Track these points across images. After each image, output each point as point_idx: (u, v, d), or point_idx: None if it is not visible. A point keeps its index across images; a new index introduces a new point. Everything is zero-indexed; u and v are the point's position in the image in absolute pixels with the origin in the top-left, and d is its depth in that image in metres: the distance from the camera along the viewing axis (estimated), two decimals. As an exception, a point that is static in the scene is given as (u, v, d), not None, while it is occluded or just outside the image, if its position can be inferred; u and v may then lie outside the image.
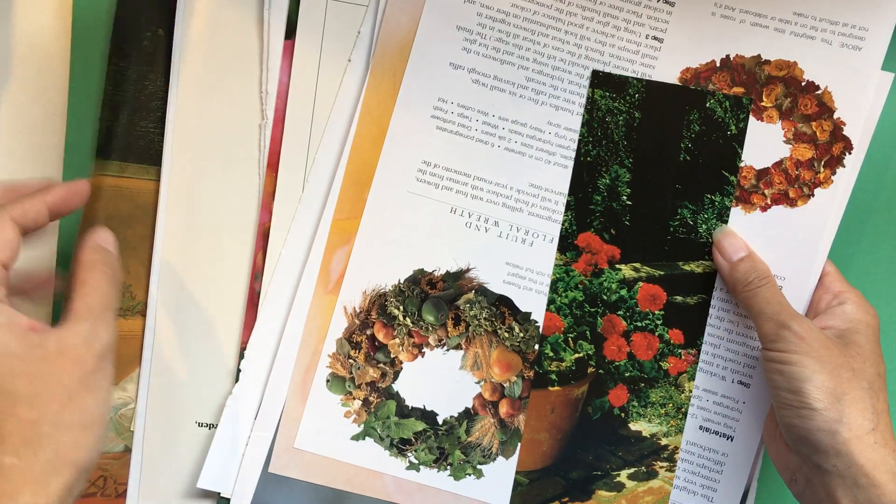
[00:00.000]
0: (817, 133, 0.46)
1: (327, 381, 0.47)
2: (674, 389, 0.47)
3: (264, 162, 0.48)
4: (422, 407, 0.48)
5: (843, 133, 0.46)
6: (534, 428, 0.47)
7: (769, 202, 0.46)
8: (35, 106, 0.48)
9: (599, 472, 0.47)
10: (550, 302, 0.47)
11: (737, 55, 0.46)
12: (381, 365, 0.48)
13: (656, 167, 0.47)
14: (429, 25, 0.47)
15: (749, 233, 0.46)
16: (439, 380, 0.48)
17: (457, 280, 0.48)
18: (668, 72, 0.47)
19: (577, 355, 0.47)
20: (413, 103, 0.47)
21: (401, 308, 0.48)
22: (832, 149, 0.46)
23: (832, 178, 0.46)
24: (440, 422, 0.48)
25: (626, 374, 0.47)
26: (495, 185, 0.48)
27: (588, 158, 0.47)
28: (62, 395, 0.34)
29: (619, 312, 0.47)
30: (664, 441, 0.47)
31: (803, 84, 0.46)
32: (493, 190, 0.48)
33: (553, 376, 0.47)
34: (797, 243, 0.46)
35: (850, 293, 0.44)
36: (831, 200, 0.46)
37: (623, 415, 0.47)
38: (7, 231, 0.36)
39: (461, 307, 0.48)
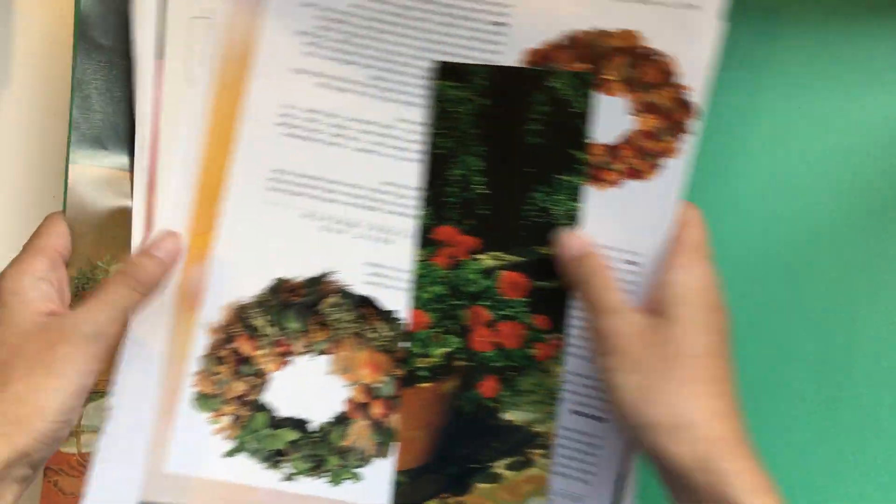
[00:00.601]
0: (662, 102, 0.45)
1: (194, 400, 0.47)
2: (544, 375, 0.46)
3: (144, 182, 0.48)
4: (294, 416, 0.47)
5: (687, 98, 0.45)
6: (408, 426, 0.47)
7: (621, 177, 0.45)
8: (35, 106, 0.49)
9: (477, 465, 0.46)
10: (415, 298, 0.46)
11: (580, 31, 0.46)
12: (248, 377, 0.47)
13: (507, 153, 0.46)
14: (268, 33, 0.47)
15: (605, 211, 0.45)
16: (309, 387, 0.47)
17: (318, 285, 0.47)
18: (514, 56, 0.46)
19: (444, 350, 0.46)
20: (258, 112, 0.47)
21: (263, 318, 0.47)
22: (677, 116, 0.45)
23: (679, 146, 0.45)
24: (314, 429, 0.47)
25: (495, 365, 0.46)
26: (349, 187, 0.47)
27: (439, 151, 0.46)
28: (30, 361, 0.39)
29: (484, 303, 0.46)
30: (538, 428, 0.46)
31: (646, 52, 0.45)
32: (348, 192, 0.47)
33: (423, 373, 0.46)
34: (651, 217, 0.45)
35: (684, 257, 0.42)
36: (679, 169, 0.45)
37: (495, 405, 0.46)
38: (60, 224, 0.44)
39: (324, 312, 0.47)
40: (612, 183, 0.45)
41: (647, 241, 0.45)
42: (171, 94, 0.48)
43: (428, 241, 0.46)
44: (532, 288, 0.46)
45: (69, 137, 0.48)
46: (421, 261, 0.46)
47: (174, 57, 0.48)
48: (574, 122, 0.45)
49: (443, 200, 0.46)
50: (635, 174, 0.45)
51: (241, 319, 0.47)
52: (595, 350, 0.41)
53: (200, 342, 0.47)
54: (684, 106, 0.45)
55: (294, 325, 0.47)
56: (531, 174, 0.46)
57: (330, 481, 0.47)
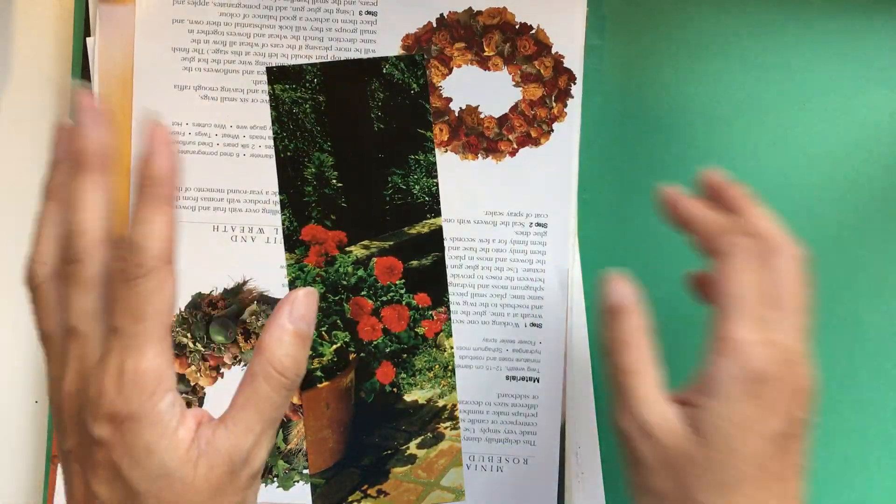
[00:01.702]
0: (541, 71, 0.47)
1: (132, 425, 0.47)
2: (436, 351, 0.48)
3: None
4: (235, 426, 0.48)
5: (564, 66, 0.46)
6: (315, 428, 0.48)
7: (515, 146, 0.47)
8: (35, 106, 0.48)
9: (390, 451, 0.48)
10: None
11: (450, 12, 0.47)
12: (183, 395, 0.48)
13: (355, 144, 0.47)
14: (143, 54, 0.47)
15: (505, 179, 0.47)
16: (245, 396, 0.48)
17: (236, 295, 0.48)
18: (389, 43, 0.47)
19: (335, 346, 0.48)
20: (147, 133, 0.47)
21: (188, 335, 0.47)
22: (558, 82, 0.47)
23: (565, 110, 0.47)
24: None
25: (387, 350, 0.48)
26: (250, 194, 0.47)
27: (288, 153, 0.47)
28: None
29: (363, 293, 0.48)
30: (441, 402, 0.48)
31: (517, 27, 0.46)
32: (250, 198, 0.47)
33: (318, 373, 0.48)
34: (551, 179, 0.47)
35: (728, 340, 0.32)
36: (570, 131, 0.47)
37: (395, 390, 0.48)
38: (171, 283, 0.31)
39: (248, 320, 0.48)
40: (509, 153, 0.47)
41: (551, 202, 0.47)
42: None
43: (296, 243, 0.47)
44: (406, 269, 0.48)
45: None
46: (293, 264, 0.47)
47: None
48: (415, 103, 0.47)
49: (303, 201, 0.47)
50: (529, 141, 0.47)
51: (165, 341, 0.47)
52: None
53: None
54: (563, 72, 0.46)
55: (219, 337, 0.47)
56: (384, 159, 0.47)
57: (280, 486, 0.48)
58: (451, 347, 0.48)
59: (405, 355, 0.48)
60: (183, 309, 0.47)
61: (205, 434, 0.31)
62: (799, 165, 0.47)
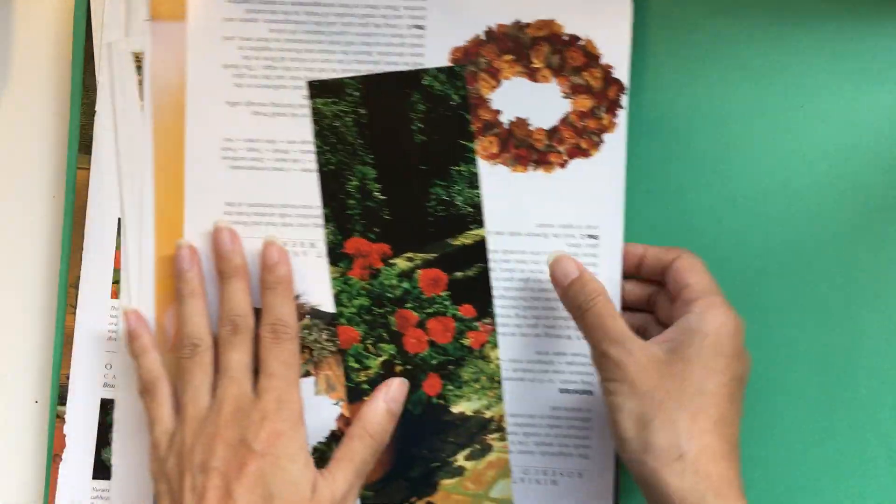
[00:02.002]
0: (591, 82, 0.46)
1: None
2: (482, 362, 0.48)
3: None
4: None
5: (614, 76, 0.46)
6: None
7: (566, 158, 0.47)
8: (35, 106, 0.49)
9: (438, 463, 0.48)
10: (339, 315, 0.47)
11: (498, 24, 0.47)
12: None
13: (397, 156, 0.47)
14: (196, 71, 0.47)
15: (555, 191, 0.47)
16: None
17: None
18: (437, 57, 0.47)
19: (381, 359, 0.48)
20: (201, 150, 0.47)
21: (241, 351, 0.47)
22: (608, 93, 0.46)
23: (614, 121, 0.46)
24: (311, 450, 0.48)
25: (433, 362, 0.48)
26: (302, 208, 0.48)
27: (330, 167, 0.47)
28: None
29: (408, 305, 0.47)
30: (488, 414, 0.48)
31: (566, 38, 0.46)
32: (301, 213, 0.48)
33: (365, 385, 0.48)
34: (600, 191, 0.47)
35: (702, 300, 0.41)
36: (619, 142, 0.46)
37: (442, 401, 0.48)
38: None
39: (301, 335, 0.48)
40: (560, 164, 0.47)
41: (602, 214, 0.47)
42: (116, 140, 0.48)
43: (340, 257, 0.47)
44: (450, 280, 0.47)
45: (70, 138, 0.48)
46: (337, 277, 0.47)
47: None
48: (456, 114, 0.47)
49: (346, 214, 0.47)
50: (580, 153, 0.47)
51: (219, 357, 0.47)
52: (601, 374, 0.41)
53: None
54: (612, 83, 0.46)
55: (272, 353, 0.48)
56: (426, 171, 0.47)
57: (334, 497, 0.48)
58: (497, 358, 0.48)
59: (451, 367, 0.48)
60: (235, 324, 0.47)
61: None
62: (798, 166, 0.47)
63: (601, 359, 0.41)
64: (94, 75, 0.47)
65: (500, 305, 0.47)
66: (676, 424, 0.38)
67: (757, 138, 0.47)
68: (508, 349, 0.47)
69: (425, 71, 0.46)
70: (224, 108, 0.47)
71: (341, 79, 0.47)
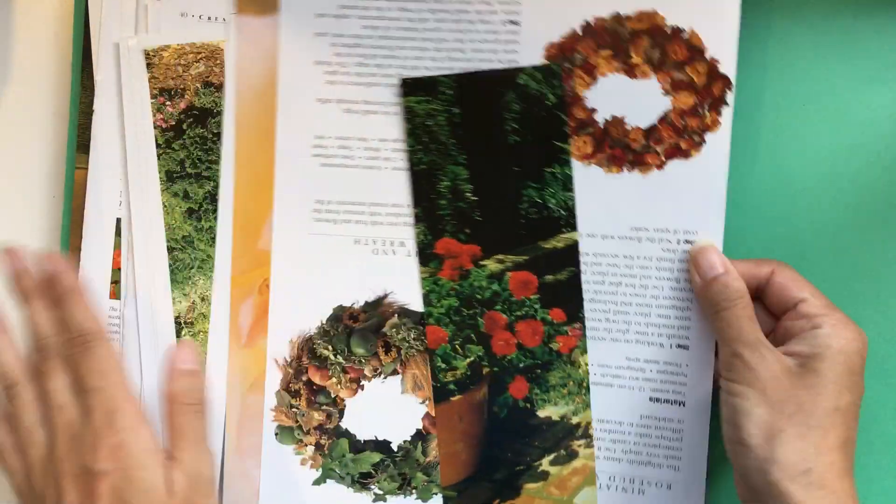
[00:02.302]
0: (694, 78, 0.44)
1: (276, 434, 0.48)
2: (570, 367, 0.46)
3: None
4: (374, 438, 0.48)
5: (720, 71, 0.44)
6: (448, 441, 0.47)
7: (663, 159, 0.45)
8: (35, 106, 0.50)
9: (522, 467, 0.47)
10: (428, 315, 0.47)
11: (596, 18, 0.45)
12: (325, 407, 0.48)
13: (490, 156, 0.46)
14: (287, 68, 0.47)
15: (652, 194, 0.45)
16: (384, 408, 0.48)
17: (377, 308, 0.48)
18: (532, 53, 0.46)
19: (468, 360, 0.47)
20: (292, 146, 0.47)
21: (329, 348, 0.48)
22: (713, 90, 0.44)
23: (719, 119, 0.44)
24: (395, 448, 0.48)
25: (521, 365, 0.47)
26: (392, 207, 0.47)
27: (422, 166, 0.46)
28: None
29: (497, 307, 0.47)
30: (575, 420, 0.47)
31: (668, 31, 0.44)
32: (392, 212, 0.47)
33: (452, 386, 0.47)
34: (700, 193, 0.44)
35: (829, 316, 0.41)
36: (723, 142, 0.44)
37: (529, 405, 0.47)
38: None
39: (388, 333, 0.48)
40: (657, 166, 0.45)
41: (702, 218, 0.44)
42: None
43: (430, 257, 0.47)
44: (541, 283, 0.46)
45: (69, 138, 0.48)
46: (427, 277, 0.47)
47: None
48: (551, 115, 0.45)
49: (436, 214, 0.46)
50: (679, 153, 0.44)
51: (308, 351, 0.48)
52: (729, 375, 0.41)
53: (273, 378, 0.48)
54: (718, 78, 0.44)
55: (360, 350, 0.48)
56: (519, 172, 0.46)
57: (419, 498, 0.48)
58: (586, 364, 0.46)
59: (539, 371, 0.47)
60: (325, 321, 0.48)
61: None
62: (799, 165, 0.46)
63: (733, 359, 0.41)
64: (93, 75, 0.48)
65: (590, 309, 0.46)
66: (807, 439, 0.38)
67: (758, 137, 0.46)
68: (597, 353, 0.46)
69: (521, 69, 0.45)
70: (315, 105, 0.47)
71: (435, 76, 0.46)
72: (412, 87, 0.46)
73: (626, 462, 0.47)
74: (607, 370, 0.46)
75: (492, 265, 0.47)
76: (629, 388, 0.46)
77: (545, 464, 0.47)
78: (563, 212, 0.46)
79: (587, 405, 0.47)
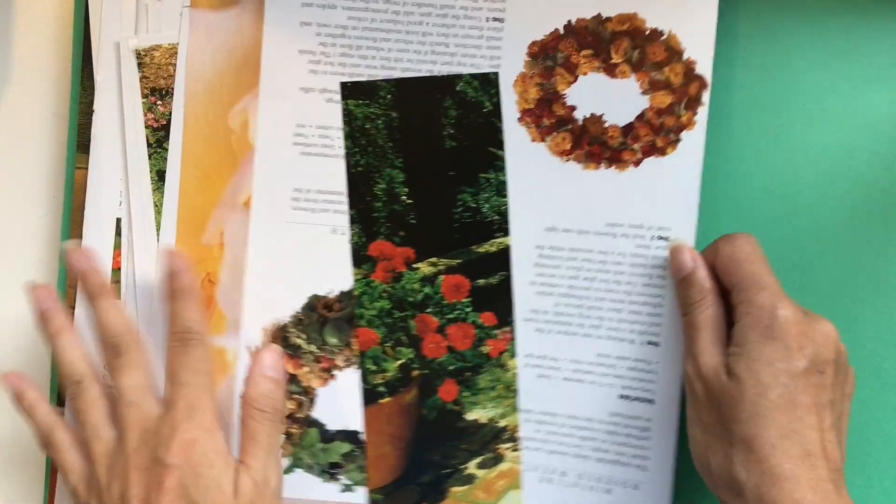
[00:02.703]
0: (671, 78, 0.45)
1: (246, 421, 0.48)
2: (500, 370, 0.47)
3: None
4: (344, 428, 0.48)
5: (696, 72, 0.45)
6: (376, 443, 0.47)
7: (640, 155, 0.46)
8: (35, 106, 0.49)
9: (449, 470, 0.47)
10: (360, 317, 0.47)
11: (578, 19, 0.46)
12: (295, 395, 0.48)
13: (427, 160, 0.47)
14: (271, 56, 0.48)
15: (627, 190, 0.46)
16: (356, 399, 0.48)
17: (352, 298, 0.48)
18: (515, 50, 0.46)
19: (399, 362, 0.47)
20: (273, 135, 0.48)
21: (303, 336, 0.48)
22: (689, 90, 0.45)
23: (694, 118, 0.45)
24: (365, 440, 0.48)
25: (451, 368, 0.47)
26: (370, 197, 0.48)
27: (359, 169, 0.47)
28: None
29: (429, 310, 0.47)
30: (502, 423, 0.47)
31: (647, 33, 0.45)
32: (369, 202, 0.48)
33: (381, 388, 0.47)
34: (675, 191, 0.45)
35: (748, 303, 0.40)
36: (698, 140, 0.45)
37: (457, 408, 0.47)
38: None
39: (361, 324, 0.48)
40: (633, 163, 0.45)
41: (675, 215, 0.45)
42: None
43: (363, 258, 0.47)
44: (473, 287, 0.47)
45: (69, 138, 0.48)
46: (360, 279, 0.47)
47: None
48: (487, 122, 0.46)
49: (371, 216, 0.47)
50: (655, 151, 0.45)
51: (281, 339, 0.48)
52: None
53: (245, 364, 0.48)
54: (694, 79, 0.45)
55: (333, 340, 0.48)
56: (455, 177, 0.46)
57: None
58: (515, 368, 0.47)
59: (469, 373, 0.47)
60: (299, 310, 0.48)
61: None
62: (799, 165, 0.46)
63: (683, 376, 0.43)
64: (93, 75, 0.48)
65: (564, 304, 0.46)
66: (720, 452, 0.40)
67: (759, 137, 0.46)
68: (570, 349, 0.46)
69: (459, 76, 0.46)
70: (297, 93, 0.47)
71: (375, 80, 0.46)
72: (352, 91, 0.47)
73: (594, 459, 0.47)
74: (579, 366, 0.47)
75: (425, 268, 0.47)
76: (599, 385, 0.47)
77: (472, 467, 0.47)
78: (496, 217, 0.46)
79: (515, 409, 0.47)
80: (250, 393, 0.44)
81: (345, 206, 0.48)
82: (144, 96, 0.48)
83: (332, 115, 0.47)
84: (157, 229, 0.48)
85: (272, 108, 0.48)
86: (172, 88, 0.48)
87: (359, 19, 0.47)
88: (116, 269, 0.48)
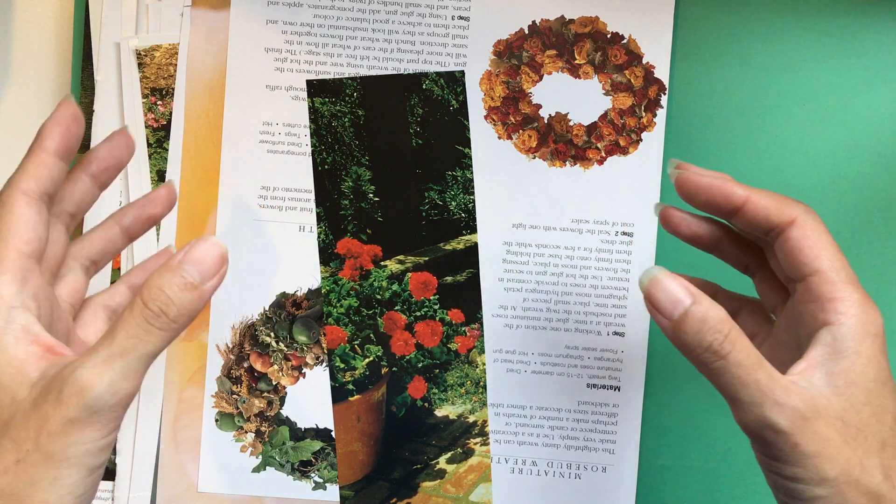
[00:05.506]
0: (632, 80, 0.47)
1: (216, 420, 0.48)
2: (468, 367, 0.48)
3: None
4: (315, 426, 0.48)
5: (655, 76, 0.46)
6: (345, 440, 0.48)
7: (604, 154, 0.47)
8: (35, 106, 0.49)
9: (419, 465, 0.48)
10: (328, 315, 0.47)
11: (542, 19, 0.47)
12: (266, 394, 0.48)
13: (393, 158, 0.47)
14: (236, 54, 0.47)
15: (592, 187, 0.47)
16: (325, 397, 0.48)
17: (320, 296, 0.48)
18: (480, 48, 0.47)
19: (367, 360, 0.48)
20: (239, 133, 0.47)
21: (272, 334, 0.48)
22: (648, 92, 0.47)
23: (654, 120, 0.47)
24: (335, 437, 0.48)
25: (420, 365, 0.48)
26: (338, 195, 0.48)
27: (325, 166, 0.47)
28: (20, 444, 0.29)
29: (396, 308, 0.48)
30: (472, 418, 0.48)
31: (609, 36, 0.47)
32: (337, 200, 0.48)
33: (350, 386, 0.48)
34: (637, 189, 0.47)
35: (844, 300, 0.31)
36: (657, 141, 0.47)
37: (427, 404, 0.48)
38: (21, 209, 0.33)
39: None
40: (597, 161, 0.47)
41: (638, 211, 0.47)
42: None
43: (331, 256, 0.48)
44: (441, 284, 0.48)
45: None
46: (327, 277, 0.47)
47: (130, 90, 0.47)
48: (454, 120, 0.47)
49: (339, 214, 0.47)
50: (618, 150, 0.47)
51: (250, 338, 0.48)
52: (758, 449, 0.31)
53: (214, 364, 0.47)
54: (653, 82, 0.46)
55: (302, 338, 0.48)
56: (421, 175, 0.47)
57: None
58: (483, 364, 0.48)
59: (437, 370, 0.48)
60: (267, 308, 0.48)
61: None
62: (799, 165, 0.47)
63: (766, 433, 0.30)
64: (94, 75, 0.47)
65: (532, 299, 0.47)
66: (875, 471, 0.30)
67: (759, 137, 0.47)
68: (538, 343, 0.48)
69: (425, 74, 0.46)
70: (263, 91, 0.47)
71: (341, 78, 0.47)
72: (318, 89, 0.47)
73: (563, 447, 0.48)
74: (547, 359, 0.48)
75: (392, 266, 0.48)
76: (567, 376, 0.48)
77: (442, 462, 0.48)
78: (463, 214, 0.47)
79: (484, 404, 0.48)
80: (149, 280, 0.30)
81: (312, 204, 0.48)
82: (144, 96, 0.47)
83: (299, 112, 0.47)
84: (157, 229, 0.47)
85: (238, 106, 0.47)
86: (172, 88, 0.47)
87: (324, 17, 0.47)
88: (116, 270, 0.47)
